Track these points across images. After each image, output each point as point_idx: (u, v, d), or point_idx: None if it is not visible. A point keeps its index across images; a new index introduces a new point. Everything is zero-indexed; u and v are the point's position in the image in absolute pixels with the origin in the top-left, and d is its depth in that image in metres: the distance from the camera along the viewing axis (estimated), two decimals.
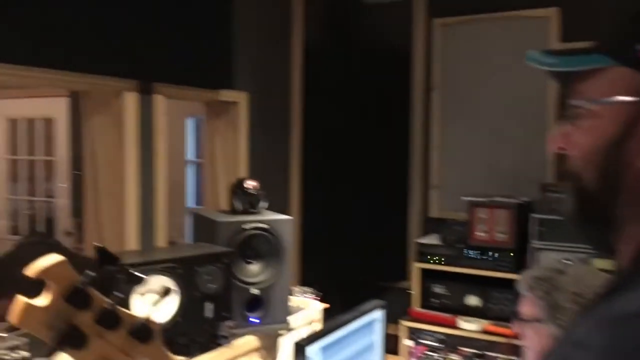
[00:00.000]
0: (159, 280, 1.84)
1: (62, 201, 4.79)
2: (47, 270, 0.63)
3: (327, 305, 2.77)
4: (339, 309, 3.32)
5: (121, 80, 2.39)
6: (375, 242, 3.90)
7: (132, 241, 2.47)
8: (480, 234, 3.02)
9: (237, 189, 2.33)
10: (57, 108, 4.68)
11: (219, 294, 1.99)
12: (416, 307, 3.20)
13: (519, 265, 2.92)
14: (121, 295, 0.68)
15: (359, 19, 4.01)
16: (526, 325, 1.69)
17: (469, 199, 3.12)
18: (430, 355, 2.99)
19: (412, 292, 3.37)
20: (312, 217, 2.48)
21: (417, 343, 3.03)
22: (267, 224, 2.22)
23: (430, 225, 3.77)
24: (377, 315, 2.36)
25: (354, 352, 2.19)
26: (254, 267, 2.24)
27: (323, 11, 4.09)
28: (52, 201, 4.95)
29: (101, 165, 2.49)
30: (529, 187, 3.36)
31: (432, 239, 3.30)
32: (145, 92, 2.48)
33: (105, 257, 0.66)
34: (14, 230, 5.12)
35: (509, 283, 2.96)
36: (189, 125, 5.34)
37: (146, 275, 1.79)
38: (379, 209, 3.92)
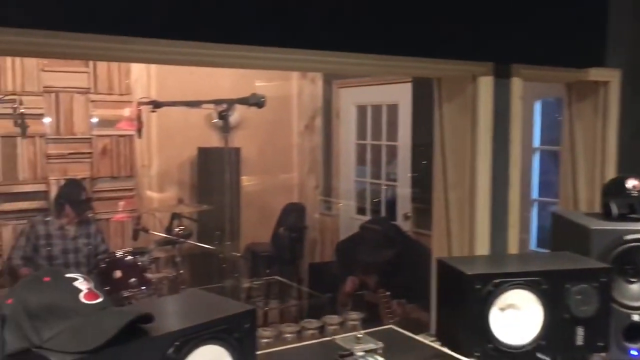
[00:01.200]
0: (519, 296, 1.58)
1: (403, 186, 4.89)
2: None
3: None
4: None
5: (476, 63, 2.18)
6: None
7: (482, 239, 2.26)
8: None
9: (615, 188, 1.91)
10: (401, 94, 4.76)
11: (593, 318, 1.62)
12: None
13: None
14: None
15: None
16: None
17: None
18: None
19: None
20: None
21: None
22: None
23: None
24: None
25: None
26: (636, 288, 1.80)
27: None
28: (394, 185, 5.11)
29: (450, 154, 2.33)
30: None
31: None
32: (502, 76, 2.22)
33: None
34: (360, 211, 5.46)
35: None
36: (537, 108, 4.91)
37: (505, 288, 1.55)
38: None
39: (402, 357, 1.49)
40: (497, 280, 1.53)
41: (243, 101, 3.43)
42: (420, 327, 2.74)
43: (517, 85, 2.29)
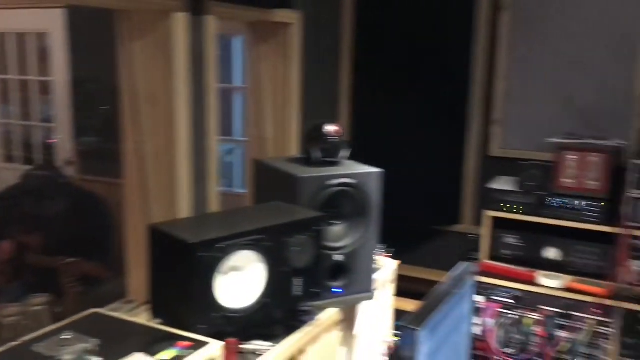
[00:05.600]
0: (242, 257, 1.49)
1: (62, 126, 4.31)
2: None
3: (399, 262, 2.46)
4: (400, 258, 3.01)
5: None
6: (426, 182, 3.54)
7: (182, 190, 2.10)
8: (567, 180, 2.67)
9: (315, 134, 1.94)
10: (52, 21, 4.11)
11: (309, 267, 1.65)
12: (486, 260, 2.89)
13: (611, 216, 2.59)
14: None
15: None
16: None
17: (556, 140, 2.74)
18: (505, 313, 2.71)
19: (474, 236, 3.05)
20: (361, 157, 2.14)
21: (490, 300, 2.75)
22: (354, 179, 1.85)
23: (492, 165, 3.41)
24: (470, 282, 2.04)
25: (451, 325, 1.89)
26: (338, 230, 1.89)
27: None
28: (50, 126, 4.48)
29: (143, 98, 2.07)
30: (612, 126, 2.97)
31: (503, 184, 2.94)
32: (197, 13, 2.03)
33: None
34: (8, 159, 4.68)
35: (596, 235, 2.65)
36: (236, 47, 4.80)
37: (229, 252, 1.43)
38: (434, 146, 3.54)
39: (122, 350, 1.26)
40: (222, 245, 1.41)
41: None
42: (112, 290, 2.48)
43: (212, 23, 2.13)
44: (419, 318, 1.64)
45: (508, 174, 3.05)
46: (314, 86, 3.01)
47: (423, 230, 3.60)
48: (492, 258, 2.90)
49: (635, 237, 2.52)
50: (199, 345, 1.31)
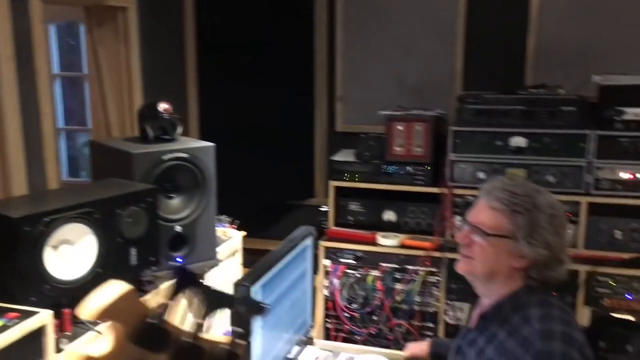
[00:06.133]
0: (72, 230, 1.55)
1: None
2: (110, 310, 0.40)
3: (244, 233, 2.60)
4: (255, 231, 3.15)
5: None
6: (279, 159, 3.72)
7: (17, 176, 2.07)
8: (397, 148, 2.94)
9: (149, 112, 2.01)
10: None
11: (143, 237, 1.73)
12: (332, 226, 3.12)
13: (436, 178, 2.91)
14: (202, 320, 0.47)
15: None
16: (488, 238, 1.60)
17: (386, 112, 3.00)
18: (351, 273, 2.95)
19: (325, 208, 3.27)
20: (213, 138, 2.22)
21: (337, 262, 2.97)
22: (188, 153, 1.95)
23: (338, 139, 3.66)
24: (308, 243, 2.23)
25: (289, 282, 2.07)
26: (176, 202, 1.99)
27: None
28: None
29: None
30: (439, 98, 3.32)
31: (345, 156, 3.18)
32: None
33: (187, 278, 0.44)
34: None
35: (425, 197, 2.96)
36: (52, 32, 4.69)
37: (57, 225, 1.49)
38: (283, 124, 3.71)
39: None
40: (47, 219, 1.45)
41: None
42: None
43: (37, 7, 2.11)
44: (253, 275, 1.79)
45: (351, 147, 3.30)
46: (158, 69, 3.05)
47: (278, 205, 3.78)
48: (339, 225, 3.13)
49: (456, 196, 2.86)
50: (27, 315, 1.36)
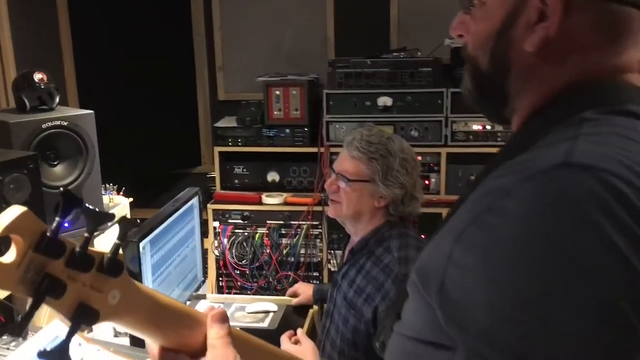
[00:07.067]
0: None
1: None
2: (11, 227, 0.54)
3: (131, 199, 2.68)
4: (145, 202, 3.23)
5: None
6: (165, 130, 3.78)
7: None
8: (276, 112, 3.12)
9: (24, 82, 2.04)
10: None
11: (29, 203, 1.79)
12: (220, 190, 3.26)
13: (313, 138, 3.12)
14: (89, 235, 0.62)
15: None
16: (350, 184, 1.86)
17: (263, 79, 3.17)
18: (239, 232, 3.12)
19: (212, 175, 3.41)
20: (94, 109, 2.24)
21: (225, 223, 3.13)
22: (67, 121, 2.01)
23: (222, 108, 3.77)
24: (194, 202, 2.37)
25: (177, 239, 2.21)
26: (59, 169, 2.05)
27: None
28: None
29: None
30: (314, 63, 3.52)
31: (228, 122, 3.31)
32: None
33: (71, 200, 0.59)
34: None
35: (305, 156, 3.17)
36: None
37: None
38: (166, 95, 3.77)
39: None
40: None
41: None
42: None
43: None
44: (141, 232, 1.91)
45: (234, 114, 3.44)
46: (30, 41, 3.00)
47: (166, 175, 3.85)
48: (226, 188, 3.28)
49: (333, 154, 3.09)
50: None
